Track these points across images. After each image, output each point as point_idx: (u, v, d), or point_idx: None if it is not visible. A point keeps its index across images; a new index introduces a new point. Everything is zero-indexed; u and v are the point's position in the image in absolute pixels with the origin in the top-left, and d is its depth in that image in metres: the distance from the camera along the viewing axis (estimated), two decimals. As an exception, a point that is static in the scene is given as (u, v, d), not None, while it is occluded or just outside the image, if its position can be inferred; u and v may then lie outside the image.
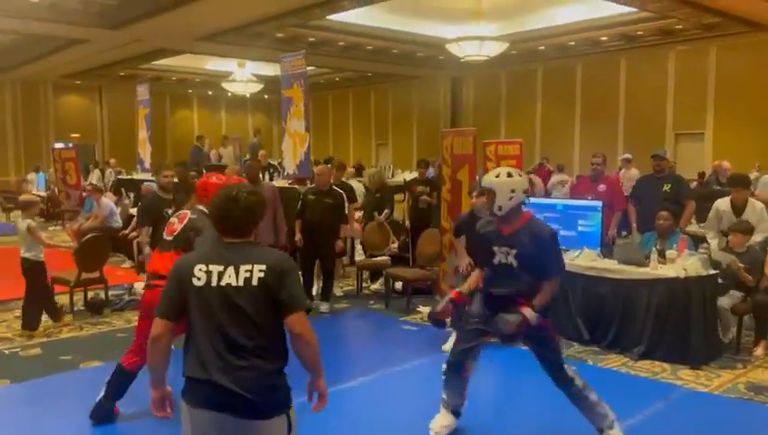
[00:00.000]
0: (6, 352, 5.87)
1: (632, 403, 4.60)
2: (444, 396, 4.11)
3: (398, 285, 7.93)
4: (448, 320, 4.29)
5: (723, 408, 4.67)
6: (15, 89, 22.00)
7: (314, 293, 7.46)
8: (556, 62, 18.31)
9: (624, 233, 7.56)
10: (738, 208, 6.50)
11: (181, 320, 2.53)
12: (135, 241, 8.86)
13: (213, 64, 20.53)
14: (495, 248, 3.81)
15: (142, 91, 15.35)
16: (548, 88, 19.33)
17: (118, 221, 10.19)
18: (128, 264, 9.95)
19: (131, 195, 12.44)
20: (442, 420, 4.11)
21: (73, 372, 5.38)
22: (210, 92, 25.14)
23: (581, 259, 6.06)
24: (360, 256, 9.19)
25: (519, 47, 15.75)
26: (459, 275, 5.56)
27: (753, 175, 11.66)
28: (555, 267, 3.82)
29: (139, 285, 6.64)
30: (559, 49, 16.88)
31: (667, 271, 5.55)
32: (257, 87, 20.29)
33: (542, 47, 16.83)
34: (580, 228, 6.41)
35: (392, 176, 15.85)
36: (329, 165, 9.00)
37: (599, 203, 6.51)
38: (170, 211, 5.41)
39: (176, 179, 7.15)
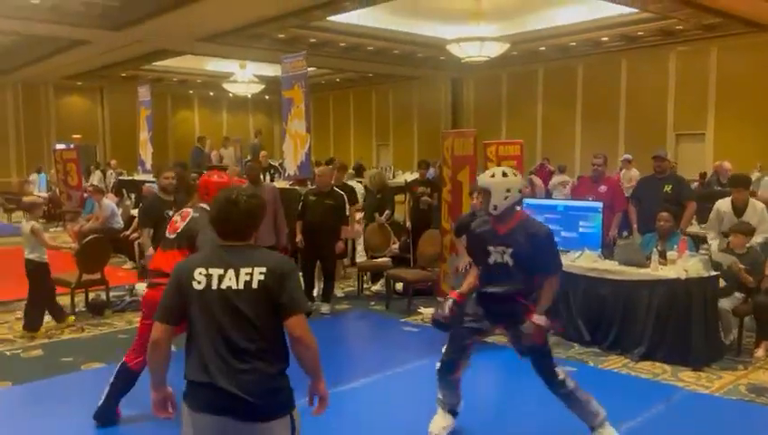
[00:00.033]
0: (8, 353, 5.88)
1: (633, 405, 4.60)
2: (439, 396, 4.12)
3: (399, 286, 7.93)
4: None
5: (724, 409, 4.66)
6: (17, 90, 22.03)
7: (315, 294, 7.46)
8: (557, 63, 18.31)
9: (625, 233, 7.56)
10: (739, 209, 6.49)
11: (181, 323, 2.54)
12: (136, 242, 8.87)
13: (214, 65, 20.55)
14: (491, 248, 3.81)
15: (143, 93, 15.37)
16: (549, 88, 19.33)
17: (119, 222, 10.20)
18: (129, 265, 9.96)
19: (132, 196, 12.46)
20: (441, 421, 4.12)
21: (75, 373, 5.38)
22: (211, 93, 25.16)
23: (582, 260, 6.06)
24: (360, 257, 9.19)
25: (520, 48, 15.76)
26: (460, 275, 5.57)
27: (754, 176, 11.66)
28: (553, 266, 3.82)
29: (141, 287, 6.64)
30: (560, 49, 16.89)
31: (668, 272, 5.55)
32: (258, 88, 20.30)
33: (543, 48, 16.84)
34: (581, 229, 6.41)
35: (393, 177, 15.86)
36: (330, 166, 9.00)
37: (599, 204, 6.51)
38: (171, 213, 5.41)
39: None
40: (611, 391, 4.94)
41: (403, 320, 7.01)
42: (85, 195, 12.15)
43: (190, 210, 4.23)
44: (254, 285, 2.44)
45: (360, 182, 10.19)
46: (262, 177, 8.80)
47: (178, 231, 4.10)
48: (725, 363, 5.47)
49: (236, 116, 26.90)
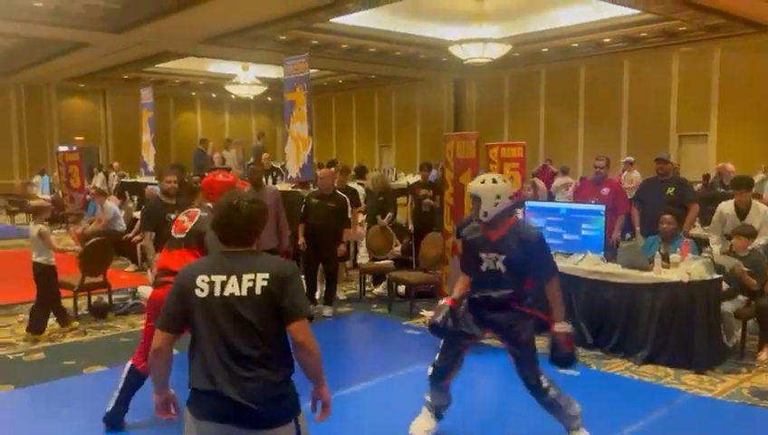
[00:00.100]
0: (10, 356, 5.88)
1: (636, 408, 4.59)
2: (427, 398, 4.11)
3: (401, 288, 7.92)
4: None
5: (727, 413, 4.64)
6: (20, 92, 22.08)
7: (317, 297, 7.46)
8: (559, 64, 18.29)
9: (628, 236, 7.55)
10: (742, 211, 6.47)
11: (183, 330, 2.54)
12: (139, 245, 8.87)
13: (216, 67, 20.57)
14: (483, 255, 3.80)
15: (146, 95, 15.37)
16: (551, 90, 19.32)
17: (121, 224, 10.22)
18: (131, 267, 9.98)
19: (135, 198, 12.47)
20: (424, 423, 4.10)
21: (77, 377, 5.38)
22: (214, 95, 25.20)
23: (585, 263, 6.05)
24: (363, 259, 9.18)
25: (522, 49, 15.75)
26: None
27: (758, 177, 11.66)
28: (547, 270, 3.81)
29: (143, 289, 6.64)
30: (562, 51, 16.87)
31: (671, 275, 5.54)
32: (261, 89, 20.32)
33: (546, 49, 16.83)
34: (583, 232, 6.39)
35: (395, 179, 15.85)
36: (332, 169, 8.99)
37: (602, 207, 6.49)
38: (173, 216, 5.41)
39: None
40: (614, 395, 4.94)
41: (405, 323, 7.00)
42: (88, 197, 12.15)
43: (198, 210, 4.24)
44: (258, 292, 2.44)
45: (362, 184, 10.17)
46: (264, 179, 8.79)
47: (187, 230, 4.10)
48: (728, 367, 5.46)
49: (239, 118, 26.94)
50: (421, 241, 7.99)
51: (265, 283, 2.45)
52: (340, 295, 7.97)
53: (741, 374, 5.32)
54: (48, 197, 15.82)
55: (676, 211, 6.50)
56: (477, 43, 13.63)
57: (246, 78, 19.85)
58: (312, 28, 14.55)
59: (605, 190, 7.22)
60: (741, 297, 5.82)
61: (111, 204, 10.64)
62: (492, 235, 3.79)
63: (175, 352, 2.60)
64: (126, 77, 21.35)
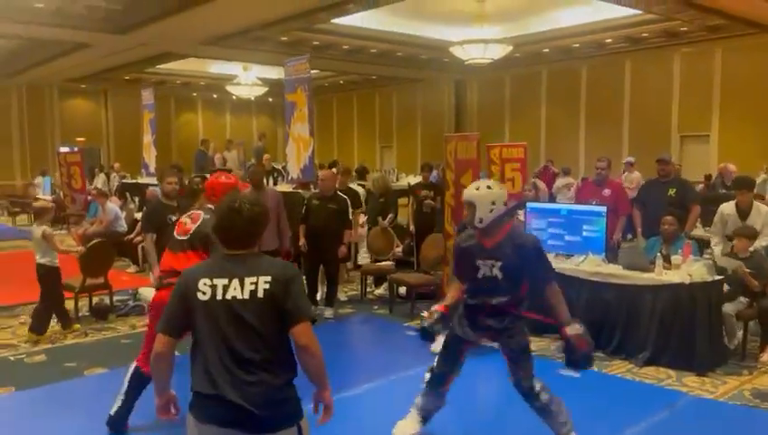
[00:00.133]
0: (11, 358, 5.89)
1: (637, 410, 4.59)
2: (417, 401, 4.09)
3: (402, 289, 7.92)
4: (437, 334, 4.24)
5: (728, 415, 4.64)
6: (21, 92, 22.08)
7: (318, 298, 7.46)
8: (560, 65, 18.27)
9: (629, 237, 7.54)
10: (743, 212, 6.46)
11: (184, 333, 2.54)
12: (140, 246, 8.88)
13: (217, 68, 20.57)
14: (479, 262, 3.78)
15: (147, 96, 15.37)
16: (552, 90, 19.31)
17: (123, 225, 10.22)
18: (132, 268, 9.98)
19: (136, 199, 12.48)
20: (408, 426, 4.07)
21: (78, 379, 5.38)
22: (215, 96, 25.19)
23: (586, 265, 6.05)
24: (363, 260, 9.17)
25: (523, 50, 15.73)
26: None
27: (760, 178, 11.64)
28: (545, 275, 3.79)
29: (145, 290, 6.65)
30: (563, 51, 16.86)
31: (672, 277, 5.53)
32: (262, 90, 20.32)
33: (547, 50, 16.81)
34: (584, 233, 6.38)
35: (396, 180, 15.84)
36: (333, 170, 8.99)
37: (603, 208, 6.48)
38: (174, 218, 5.41)
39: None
40: (615, 397, 4.94)
41: (406, 324, 7.00)
42: (89, 198, 12.17)
43: (200, 212, 4.23)
44: (260, 295, 2.44)
45: (363, 186, 10.17)
46: (265, 180, 8.79)
47: (190, 232, 4.10)
48: (730, 368, 5.45)
49: (240, 118, 26.94)
50: (422, 242, 7.99)
51: (268, 286, 2.44)
52: (341, 297, 7.97)
53: (742, 376, 5.31)
54: (49, 197, 15.84)
55: (677, 212, 6.48)
56: (478, 44, 13.62)
57: (247, 79, 19.87)
58: (313, 29, 14.54)
59: (606, 191, 7.21)
60: (742, 299, 5.81)
61: (113, 205, 10.64)
62: (487, 241, 3.78)
63: (176, 353, 2.60)
64: (127, 78, 21.36)
